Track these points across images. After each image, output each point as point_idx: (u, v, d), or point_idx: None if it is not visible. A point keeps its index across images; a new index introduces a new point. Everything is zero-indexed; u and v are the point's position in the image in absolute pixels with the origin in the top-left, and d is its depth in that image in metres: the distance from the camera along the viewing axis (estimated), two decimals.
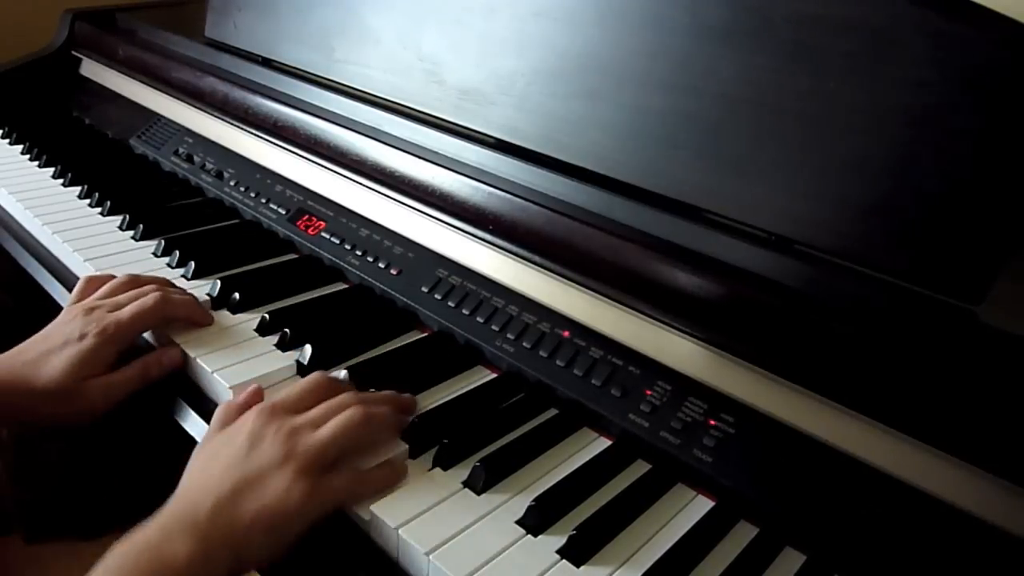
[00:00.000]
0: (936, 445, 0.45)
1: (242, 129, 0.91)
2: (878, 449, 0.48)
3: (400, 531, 0.47)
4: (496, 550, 0.47)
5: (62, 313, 0.65)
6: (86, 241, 0.80)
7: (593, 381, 0.58)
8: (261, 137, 0.88)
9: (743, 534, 0.50)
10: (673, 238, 0.57)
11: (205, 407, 0.61)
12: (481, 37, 0.71)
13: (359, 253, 0.75)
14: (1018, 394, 0.43)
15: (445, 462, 0.53)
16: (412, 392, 0.60)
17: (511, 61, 0.68)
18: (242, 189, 0.89)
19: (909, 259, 0.48)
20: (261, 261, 0.79)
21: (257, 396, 0.56)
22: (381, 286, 0.72)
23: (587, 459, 0.55)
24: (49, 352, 0.60)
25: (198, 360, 0.62)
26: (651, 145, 0.60)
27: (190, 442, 0.60)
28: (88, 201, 0.89)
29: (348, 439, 0.50)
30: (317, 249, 0.78)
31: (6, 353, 0.61)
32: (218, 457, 0.49)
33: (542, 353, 0.61)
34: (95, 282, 0.68)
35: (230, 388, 0.59)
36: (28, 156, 1.02)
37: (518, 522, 0.49)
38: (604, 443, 0.57)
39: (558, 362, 0.60)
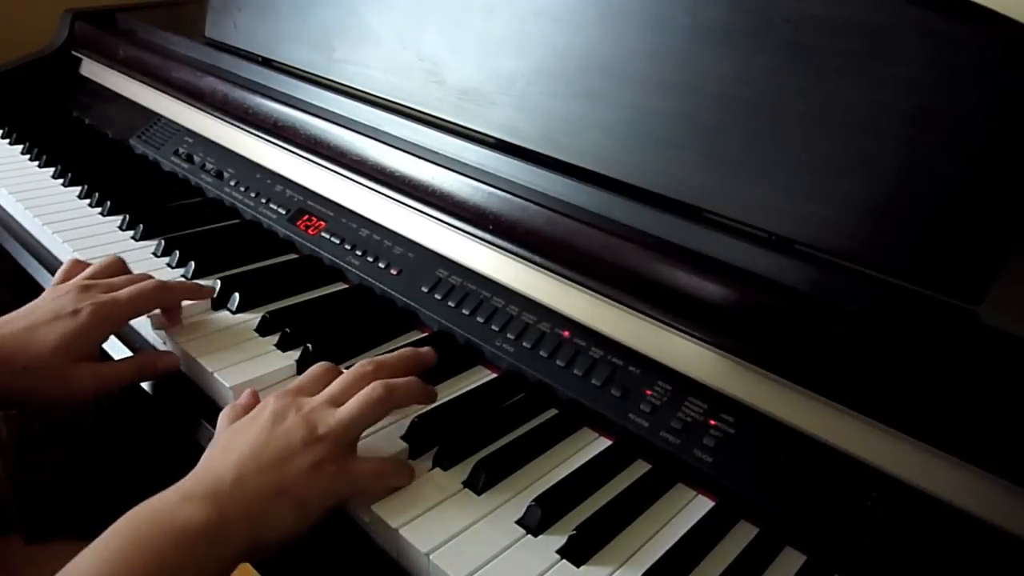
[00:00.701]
0: (936, 445, 0.45)
1: (242, 129, 0.91)
2: (878, 449, 0.48)
3: (400, 531, 0.47)
4: (496, 550, 0.47)
5: (47, 291, 0.62)
6: (86, 241, 0.80)
7: (593, 381, 0.58)
8: (261, 137, 0.88)
9: (743, 534, 0.50)
10: (673, 238, 0.57)
11: (205, 407, 0.61)
12: (481, 37, 0.71)
13: (359, 253, 0.75)
14: (1018, 394, 0.43)
15: (445, 462, 0.53)
16: None
17: (511, 61, 0.68)
18: (242, 189, 0.89)
19: (909, 259, 0.48)
20: (261, 261, 0.79)
21: (255, 398, 0.56)
22: (381, 286, 0.72)
23: (587, 459, 0.55)
24: (36, 325, 0.57)
25: (198, 360, 0.62)
26: (651, 145, 0.60)
27: (190, 442, 0.60)
28: (88, 201, 0.89)
29: (373, 415, 0.51)
30: (317, 249, 0.78)
31: None
32: (241, 434, 0.49)
33: (542, 353, 0.61)
34: (81, 266, 0.67)
35: (230, 388, 0.59)
36: (28, 156, 1.02)
37: (518, 522, 0.49)
38: (604, 443, 0.57)
39: (558, 362, 0.60)
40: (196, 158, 0.96)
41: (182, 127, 1.01)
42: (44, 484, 0.71)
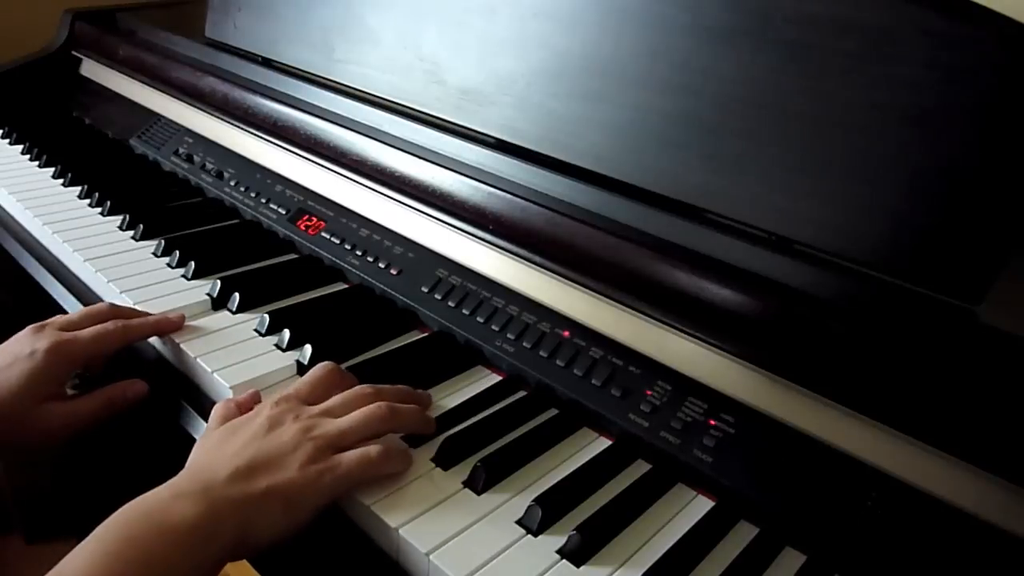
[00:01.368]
0: (936, 445, 0.45)
1: (242, 129, 0.91)
2: (878, 449, 0.48)
3: (400, 531, 0.47)
4: (496, 550, 0.47)
5: (14, 336, 0.61)
6: (86, 241, 0.80)
7: (593, 381, 0.58)
8: (261, 137, 0.88)
9: (743, 534, 0.50)
10: (673, 238, 0.57)
11: (205, 407, 0.61)
12: (481, 37, 0.71)
13: (359, 253, 0.75)
14: (1018, 394, 0.43)
15: (445, 462, 0.53)
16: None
17: (511, 61, 0.68)
18: (242, 189, 0.89)
19: (909, 259, 0.48)
20: (261, 261, 0.79)
21: (256, 398, 0.56)
22: (381, 286, 0.72)
23: (587, 459, 0.55)
24: None
25: (198, 360, 0.62)
26: (651, 145, 0.60)
27: (190, 442, 0.60)
28: (88, 201, 0.89)
29: (370, 430, 0.51)
30: (317, 249, 0.78)
31: None
32: (236, 434, 0.50)
33: (542, 353, 0.61)
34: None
35: (230, 388, 0.59)
36: (28, 156, 1.02)
37: (518, 522, 0.49)
38: (604, 443, 0.57)
39: (558, 362, 0.60)
40: (196, 158, 0.96)
41: (182, 127, 1.01)
42: (44, 484, 0.71)
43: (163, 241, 0.79)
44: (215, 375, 0.60)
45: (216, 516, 0.44)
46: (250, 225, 0.86)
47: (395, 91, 0.79)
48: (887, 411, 0.47)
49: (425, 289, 0.69)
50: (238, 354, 0.63)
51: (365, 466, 0.49)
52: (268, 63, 0.94)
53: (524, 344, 0.62)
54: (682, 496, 0.53)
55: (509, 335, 0.63)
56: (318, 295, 0.73)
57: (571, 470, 0.53)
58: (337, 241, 0.77)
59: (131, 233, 0.82)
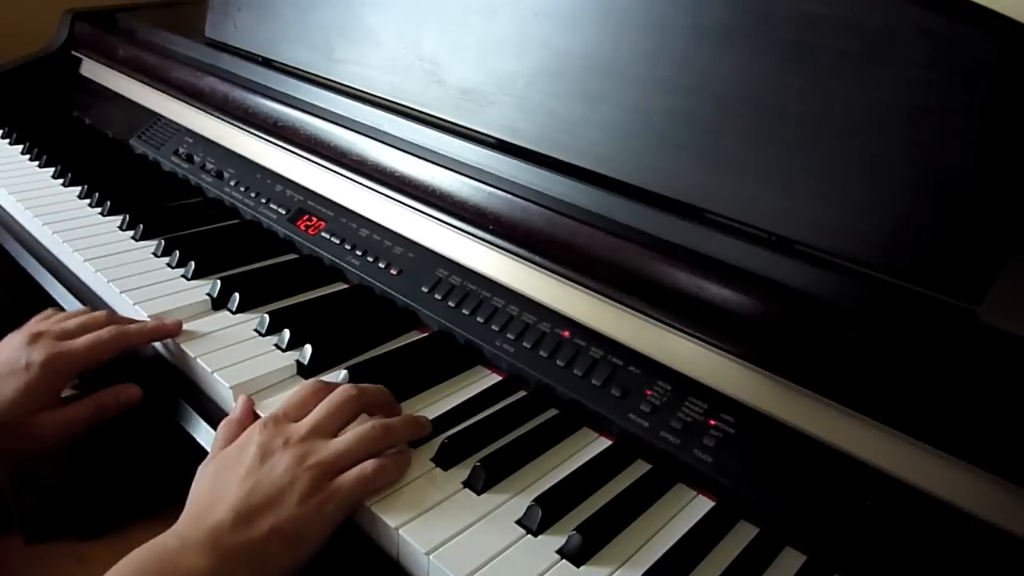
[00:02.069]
0: (936, 445, 0.45)
1: (242, 129, 0.91)
2: (878, 449, 0.48)
3: (400, 531, 0.47)
4: (496, 550, 0.47)
5: (9, 336, 0.62)
6: (86, 241, 0.80)
7: (593, 381, 0.58)
8: (261, 137, 0.88)
9: (743, 534, 0.50)
10: (673, 238, 0.57)
11: (205, 407, 0.61)
12: (481, 37, 0.71)
13: (359, 253, 0.75)
14: (1018, 394, 0.43)
15: (445, 462, 0.53)
16: (412, 392, 0.60)
17: (511, 61, 0.68)
18: (242, 189, 0.89)
19: (909, 259, 0.48)
20: (261, 261, 0.79)
21: (249, 404, 0.56)
22: (381, 286, 0.72)
23: (587, 459, 0.55)
24: None
25: (198, 360, 0.62)
26: (651, 145, 0.60)
27: (190, 442, 0.60)
28: (88, 201, 0.89)
29: (365, 452, 0.50)
30: (317, 249, 0.78)
31: None
32: (229, 470, 0.49)
33: (542, 353, 0.61)
34: (53, 312, 0.65)
35: (230, 388, 0.59)
36: (28, 156, 1.02)
37: (518, 522, 0.49)
38: (604, 443, 0.57)
39: (558, 362, 0.60)
40: (196, 158, 0.96)
41: (182, 127, 1.01)
42: (44, 485, 0.71)
43: (163, 241, 0.79)
44: (215, 375, 0.60)
45: (225, 566, 0.43)
46: (250, 225, 0.86)
47: (395, 91, 0.79)
48: (887, 411, 0.47)
49: (425, 289, 0.69)
50: (238, 354, 0.63)
51: (363, 484, 0.49)
52: (268, 63, 0.94)
53: (524, 344, 0.62)
54: (682, 496, 0.53)
55: (509, 335, 0.63)
56: (318, 295, 0.73)
57: (571, 470, 0.53)
58: (337, 241, 0.77)
59: (131, 233, 0.82)
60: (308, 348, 0.62)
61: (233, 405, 0.57)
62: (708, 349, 0.54)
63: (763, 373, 0.52)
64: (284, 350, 0.64)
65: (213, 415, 0.60)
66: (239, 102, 0.92)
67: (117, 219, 0.84)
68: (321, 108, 0.84)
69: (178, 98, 1.01)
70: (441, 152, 0.72)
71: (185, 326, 0.66)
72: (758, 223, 0.55)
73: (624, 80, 0.61)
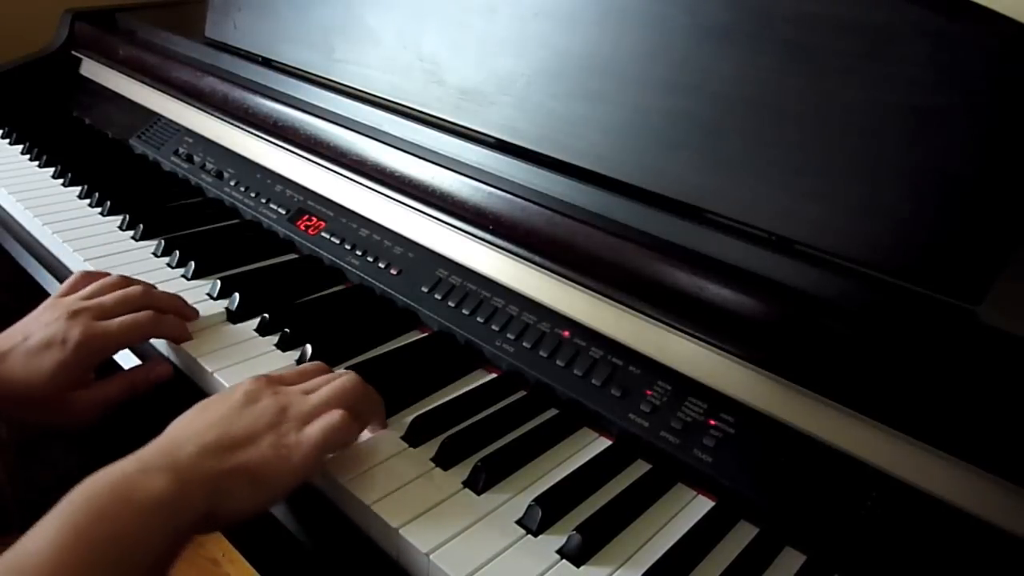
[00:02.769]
0: (936, 445, 0.45)
1: (242, 129, 0.91)
2: (878, 449, 0.48)
3: (400, 531, 0.47)
4: (496, 550, 0.47)
5: (45, 304, 0.62)
6: (86, 241, 0.80)
7: (593, 381, 0.58)
8: (261, 137, 0.88)
9: (743, 534, 0.50)
10: (673, 238, 0.57)
11: None
12: (481, 37, 0.71)
13: (359, 253, 0.75)
14: (1018, 394, 0.43)
15: (445, 462, 0.53)
16: (412, 392, 0.60)
17: (511, 61, 0.68)
18: (242, 189, 0.89)
19: (909, 259, 0.48)
20: (261, 261, 0.79)
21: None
22: (381, 286, 0.72)
23: (587, 459, 0.55)
24: (29, 353, 0.57)
25: (199, 360, 0.62)
26: (651, 145, 0.60)
27: None
28: (88, 201, 0.89)
29: (341, 405, 0.50)
30: (317, 249, 0.78)
31: None
32: (208, 409, 0.49)
33: (542, 353, 0.61)
34: (88, 279, 0.65)
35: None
36: (28, 156, 1.02)
37: (518, 522, 0.49)
38: (604, 443, 0.57)
39: (558, 362, 0.60)
40: (196, 158, 0.96)
41: (182, 127, 1.01)
42: (44, 484, 0.71)
43: (163, 241, 0.79)
44: (215, 375, 0.60)
45: (184, 490, 0.43)
46: (250, 225, 0.86)
47: (395, 91, 0.79)
48: (887, 411, 0.47)
49: (425, 289, 0.69)
50: (238, 354, 0.63)
51: (329, 432, 0.48)
52: (268, 63, 0.94)
53: (524, 344, 0.62)
54: (682, 496, 0.53)
55: (509, 335, 0.63)
56: (318, 295, 0.73)
57: (571, 470, 0.53)
58: (337, 241, 0.77)
59: (131, 233, 0.82)
60: (308, 348, 0.62)
61: None
62: (708, 349, 0.54)
63: (763, 373, 0.52)
64: (284, 350, 0.64)
65: None
66: (239, 102, 0.92)
67: (117, 219, 0.84)
68: (321, 108, 0.84)
69: (178, 98, 1.01)
70: (441, 152, 0.72)
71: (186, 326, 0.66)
72: (758, 223, 0.55)
73: (624, 80, 0.61)
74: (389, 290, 0.71)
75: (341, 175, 0.79)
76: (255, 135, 0.89)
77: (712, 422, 0.53)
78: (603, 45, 0.62)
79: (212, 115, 0.95)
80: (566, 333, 0.61)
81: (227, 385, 0.59)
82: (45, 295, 0.77)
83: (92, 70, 1.19)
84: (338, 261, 0.76)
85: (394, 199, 0.74)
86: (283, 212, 0.84)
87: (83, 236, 0.81)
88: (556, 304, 0.62)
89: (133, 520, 0.40)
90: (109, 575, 0.39)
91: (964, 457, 0.44)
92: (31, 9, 1.34)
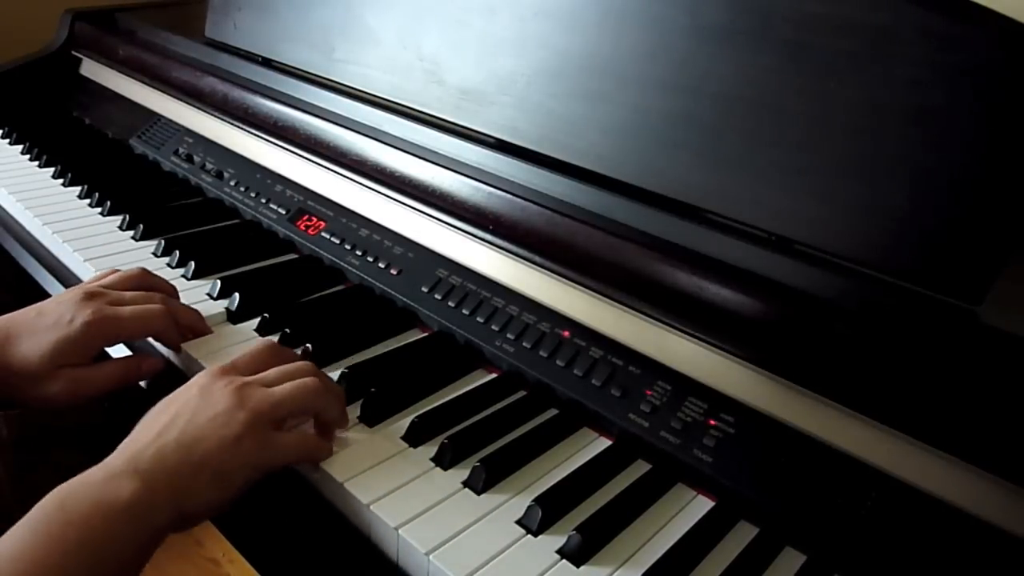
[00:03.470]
0: (936, 445, 0.45)
1: (242, 129, 0.91)
2: (878, 449, 0.48)
3: (400, 531, 0.47)
4: (496, 550, 0.47)
5: (67, 290, 0.62)
6: (86, 241, 0.80)
7: (593, 381, 0.58)
8: (261, 137, 0.88)
9: (743, 534, 0.50)
10: (673, 238, 0.57)
11: None
12: (481, 37, 0.71)
13: (359, 253, 0.75)
14: (1018, 394, 0.43)
15: (445, 462, 0.53)
16: (412, 392, 0.60)
17: (511, 61, 0.68)
18: (242, 189, 0.89)
19: (909, 259, 0.48)
20: (261, 261, 0.79)
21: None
22: (381, 286, 0.72)
23: (587, 459, 0.55)
24: (36, 328, 0.57)
25: (199, 361, 0.62)
26: (651, 145, 0.60)
27: None
28: (88, 201, 0.89)
29: (301, 402, 0.51)
30: (317, 249, 0.78)
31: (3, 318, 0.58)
32: (167, 409, 0.49)
33: (542, 353, 0.61)
34: (114, 272, 0.66)
35: None
36: (28, 156, 1.02)
37: (518, 522, 0.49)
38: (604, 443, 0.57)
39: (558, 362, 0.60)
40: (196, 158, 0.96)
41: (182, 127, 1.01)
42: (44, 484, 0.71)
43: (163, 241, 0.79)
44: None
45: (149, 494, 0.43)
46: (250, 225, 0.86)
47: (395, 91, 0.79)
48: (887, 411, 0.47)
49: (425, 289, 0.69)
50: (237, 354, 0.62)
51: (302, 452, 0.50)
52: (268, 63, 0.94)
53: (524, 344, 0.62)
54: (682, 496, 0.53)
55: (509, 335, 0.63)
56: (318, 295, 0.73)
57: (571, 470, 0.53)
58: (337, 241, 0.77)
59: (131, 233, 0.82)
60: (308, 348, 0.62)
61: None
62: (708, 349, 0.54)
63: (763, 373, 0.52)
64: None
65: None
66: (239, 102, 0.92)
67: (117, 219, 0.84)
68: (321, 108, 0.84)
69: (178, 98, 1.01)
70: (441, 152, 0.72)
71: None
72: (758, 223, 0.55)
73: (624, 80, 0.61)
74: (389, 290, 0.71)
75: (341, 175, 0.79)
76: (255, 135, 0.89)
77: (712, 422, 0.53)
78: (603, 45, 0.62)
79: (212, 115, 0.95)
80: (566, 333, 0.61)
81: None
82: (45, 295, 0.78)
83: (92, 70, 1.18)
84: (338, 261, 0.76)
85: (394, 199, 0.74)
86: (283, 212, 0.84)
87: (83, 236, 0.81)
88: (556, 304, 0.62)
89: (102, 526, 0.42)
90: (85, 574, 0.40)
91: (964, 457, 0.44)
92: (31, 9, 1.34)
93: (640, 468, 0.55)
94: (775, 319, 0.51)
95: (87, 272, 0.76)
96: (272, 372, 0.53)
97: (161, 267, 0.76)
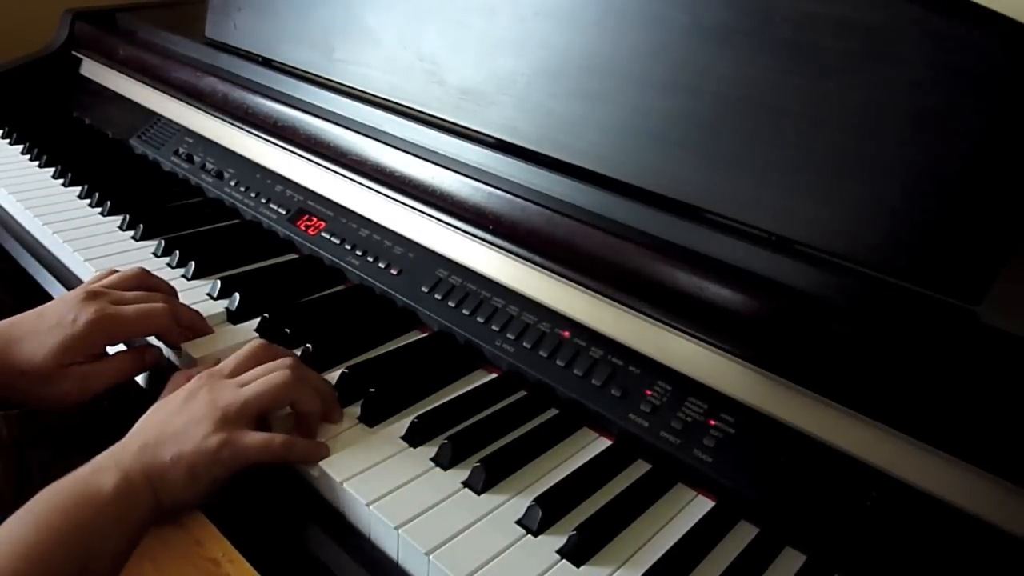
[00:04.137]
0: (936, 445, 0.45)
1: (242, 129, 0.91)
2: (878, 449, 0.48)
3: (400, 531, 0.47)
4: (496, 550, 0.47)
5: (68, 292, 0.63)
6: (86, 241, 0.80)
7: (593, 381, 0.58)
8: (261, 137, 0.88)
9: (743, 534, 0.50)
10: (673, 238, 0.57)
11: None
12: (481, 37, 0.71)
13: (359, 253, 0.75)
14: (1018, 394, 0.43)
15: (445, 462, 0.53)
16: (412, 392, 0.60)
17: (511, 61, 0.68)
18: (242, 189, 0.89)
19: (909, 259, 0.48)
20: (261, 261, 0.79)
21: (209, 362, 0.59)
22: (381, 286, 0.72)
23: (587, 459, 0.55)
24: (39, 330, 0.59)
25: (199, 361, 0.62)
26: (651, 145, 0.60)
27: None
28: (88, 201, 0.89)
29: (270, 397, 0.53)
30: (317, 249, 0.78)
31: (5, 322, 0.60)
32: (157, 412, 0.53)
33: (542, 353, 0.61)
34: (114, 272, 0.67)
35: None
36: (28, 156, 1.02)
37: (518, 522, 0.49)
38: (604, 443, 0.57)
39: (558, 362, 0.60)
40: (196, 158, 0.96)
41: (182, 127, 1.01)
42: (44, 484, 0.71)
43: (163, 241, 0.79)
44: None
45: (131, 485, 0.47)
46: (250, 225, 0.86)
47: (395, 91, 0.79)
48: (887, 411, 0.47)
49: (425, 289, 0.69)
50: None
51: (262, 451, 0.51)
52: (268, 63, 0.94)
53: (524, 344, 0.62)
54: (682, 496, 0.53)
55: (509, 335, 0.63)
56: (318, 295, 0.73)
57: (571, 470, 0.53)
58: (337, 241, 0.77)
59: (131, 233, 0.82)
60: (308, 348, 0.62)
61: None
62: (708, 349, 0.54)
63: (763, 373, 0.52)
64: None
65: None
66: (239, 102, 0.92)
67: (117, 219, 0.84)
68: (321, 108, 0.84)
69: (178, 98, 1.01)
70: (441, 152, 0.72)
71: None
72: (758, 223, 0.55)
73: (624, 80, 0.61)
74: (389, 290, 0.71)
75: (341, 175, 0.79)
76: (255, 135, 0.89)
77: (712, 422, 0.53)
78: (603, 45, 0.62)
79: (212, 115, 0.95)
80: (566, 333, 0.61)
81: None
82: (45, 295, 0.78)
83: (92, 70, 1.18)
84: (338, 261, 0.76)
85: (394, 199, 0.74)
86: (283, 212, 0.84)
87: (83, 236, 0.81)
88: (556, 304, 0.62)
89: (91, 515, 0.45)
90: (76, 560, 0.44)
91: (964, 457, 0.44)
92: (31, 9, 1.34)
93: (640, 468, 0.55)
94: (775, 319, 0.51)
95: (87, 272, 0.76)
96: (252, 374, 0.55)
97: (161, 267, 0.76)
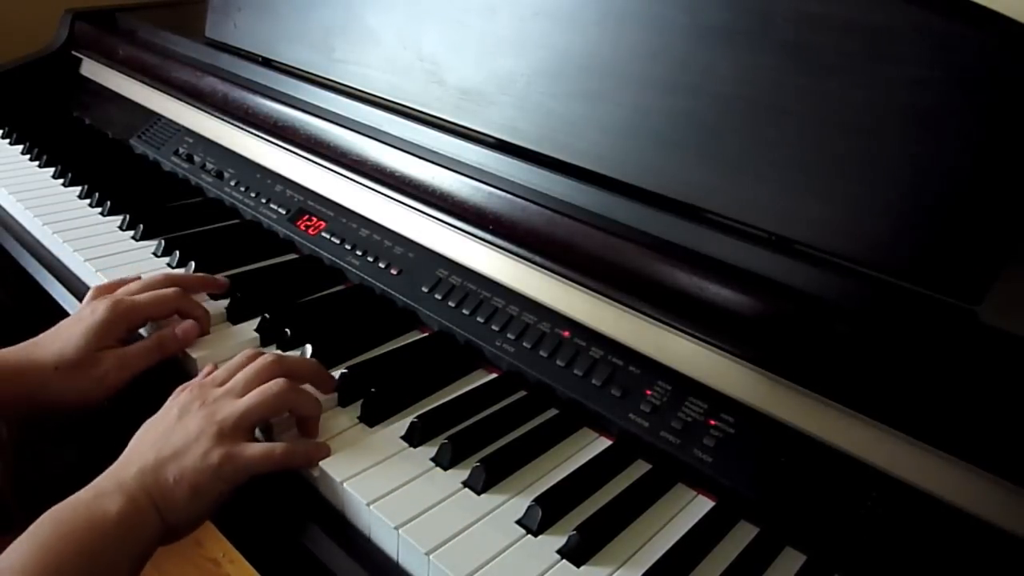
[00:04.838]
0: (936, 445, 0.45)
1: (242, 129, 0.91)
2: (878, 449, 0.48)
3: (400, 531, 0.47)
4: (496, 550, 0.47)
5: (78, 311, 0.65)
6: (86, 241, 0.80)
7: (593, 381, 0.58)
8: (261, 137, 0.88)
9: (743, 534, 0.50)
10: (673, 238, 0.57)
11: None
12: (481, 37, 0.71)
13: (359, 253, 0.75)
14: (1018, 394, 0.43)
15: (445, 462, 0.53)
16: (412, 392, 0.60)
17: (511, 61, 0.68)
18: (242, 189, 0.89)
19: (909, 259, 0.48)
20: (261, 261, 0.79)
21: (208, 370, 0.59)
22: (381, 286, 0.72)
23: (587, 459, 0.55)
24: (60, 333, 0.61)
25: (197, 362, 0.62)
26: (651, 145, 0.60)
27: None
28: (88, 201, 0.89)
29: (267, 407, 0.53)
30: (317, 249, 0.78)
31: (22, 344, 0.61)
32: (151, 430, 0.53)
33: (542, 353, 0.61)
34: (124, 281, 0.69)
35: None
36: (28, 156, 1.02)
37: (518, 522, 0.49)
38: (604, 443, 0.57)
39: (558, 362, 0.60)
40: (196, 158, 0.96)
41: (182, 127, 1.01)
42: (44, 484, 0.71)
43: (163, 241, 0.79)
44: None
45: (134, 509, 0.47)
46: (250, 225, 0.86)
47: (395, 91, 0.79)
48: (887, 411, 0.47)
49: (425, 289, 0.69)
50: (238, 354, 0.62)
51: (264, 462, 0.51)
52: (268, 63, 0.94)
53: (524, 344, 0.62)
54: (682, 496, 0.53)
55: (509, 335, 0.63)
56: (318, 295, 0.73)
57: (571, 470, 0.53)
58: (337, 241, 0.77)
59: (131, 233, 0.82)
60: (308, 348, 0.62)
61: None
62: (708, 349, 0.54)
63: (763, 373, 0.52)
64: (285, 350, 0.64)
65: None
66: (239, 102, 0.92)
67: (117, 219, 0.84)
68: (321, 108, 0.84)
69: (178, 98, 1.01)
70: (441, 152, 0.72)
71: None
72: (758, 223, 0.55)
73: (624, 80, 0.61)
74: (389, 290, 0.71)
75: (341, 175, 0.79)
76: (255, 135, 0.89)
77: (712, 422, 0.53)
78: (603, 45, 0.62)
79: (212, 115, 0.95)
80: (566, 333, 0.61)
81: None
82: (45, 295, 0.78)
83: (92, 70, 1.18)
84: (338, 261, 0.76)
85: (394, 199, 0.74)
86: (283, 212, 0.84)
87: (83, 236, 0.81)
88: (556, 304, 0.62)
89: (94, 540, 0.45)
90: None
91: (964, 457, 0.44)
92: (31, 9, 1.34)
93: (640, 468, 0.55)
94: (775, 319, 0.51)
95: (87, 272, 0.76)
96: (239, 378, 0.55)
97: (161, 267, 0.76)
